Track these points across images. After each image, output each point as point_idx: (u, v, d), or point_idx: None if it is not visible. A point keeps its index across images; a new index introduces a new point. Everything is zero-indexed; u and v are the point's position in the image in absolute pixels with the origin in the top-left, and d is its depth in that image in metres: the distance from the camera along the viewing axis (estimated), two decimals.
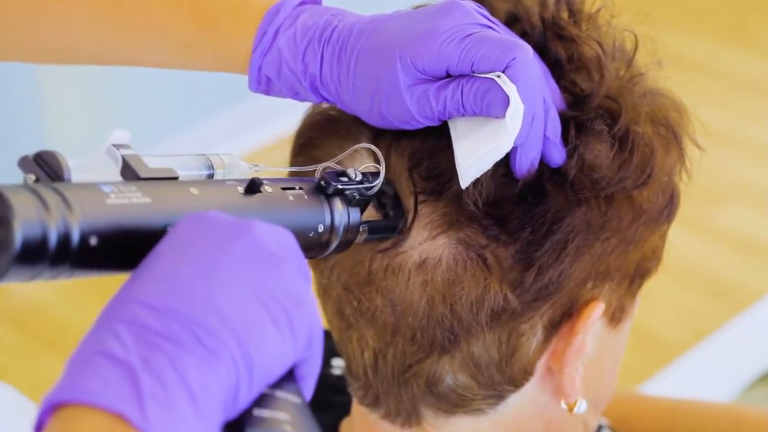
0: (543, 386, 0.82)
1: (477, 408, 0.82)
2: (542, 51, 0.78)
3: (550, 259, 0.76)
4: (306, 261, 0.65)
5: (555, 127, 0.75)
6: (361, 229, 0.75)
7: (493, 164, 0.74)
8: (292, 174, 0.79)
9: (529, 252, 0.76)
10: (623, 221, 0.78)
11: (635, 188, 0.78)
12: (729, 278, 2.50)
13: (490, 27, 0.75)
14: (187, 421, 0.56)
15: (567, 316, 0.80)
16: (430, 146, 0.77)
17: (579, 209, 0.76)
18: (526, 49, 0.73)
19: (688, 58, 3.18)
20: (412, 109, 0.74)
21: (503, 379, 0.80)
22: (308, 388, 0.63)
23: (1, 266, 0.59)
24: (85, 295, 2.53)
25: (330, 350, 0.86)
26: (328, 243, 0.73)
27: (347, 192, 0.73)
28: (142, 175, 0.66)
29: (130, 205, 0.63)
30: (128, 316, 0.58)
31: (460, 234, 0.76)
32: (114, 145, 0.66)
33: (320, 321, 0.63)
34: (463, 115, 0.74)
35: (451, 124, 0.76)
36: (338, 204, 0.73)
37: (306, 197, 0.72)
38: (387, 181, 0.77)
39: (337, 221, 0.73)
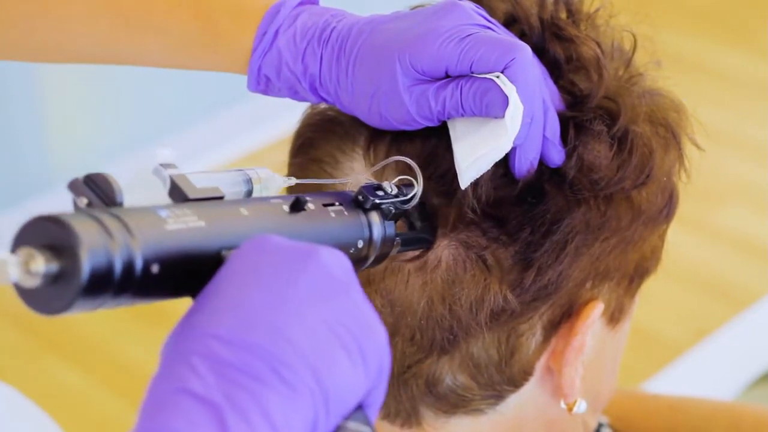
0: (542, 386, 0.82)
1: (477, 408, 0.82)
2: (541, 51, 0.78)
3: (549, 259, 0.76)
4: None
5: (554, 128, 0.75)
6: (395, 242, 0.74)
7: (492, 165, 0.74)
8: (317, 187, 0.78)
9: (529, 252, 0.76)
10: (622, 221, 0.78)
11: (634, 188, 0.78)
12: (729, 278, 2.50)
13: (488, 27, 0.75)
14: None
15: (566, 316, 0.80)
16: (430, 148, 0.77)
17: (578, 210, 0.76)
18: (526, 50, 0.73)
19: (688, 58, 3.17)
20: (411, 110, 0.74)
21: (503, 379, 0.80)
22: (373, 416, 0.62)
23: (65, 298, 0.58)
24: None
25: None
26: (366, 258, 0.73)
27: (383, 206, 0.73)
28: (191, 195, 0.65)
29: (187, 229, 0.62)
30: (204, 349, 0.57)
31: (460, 235, 0.76)
32: (161, 165, 0.65)
33: (388, 347, 0.62)
34: (462, 116, 0.74)
35: (450, 125, 0.76)
36: (375, 218, 0.73)
37: (345, 213, 0.72)
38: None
39: (375, 236, 0.73)
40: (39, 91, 2.60)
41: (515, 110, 0.72)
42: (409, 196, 0.75)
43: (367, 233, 0.72)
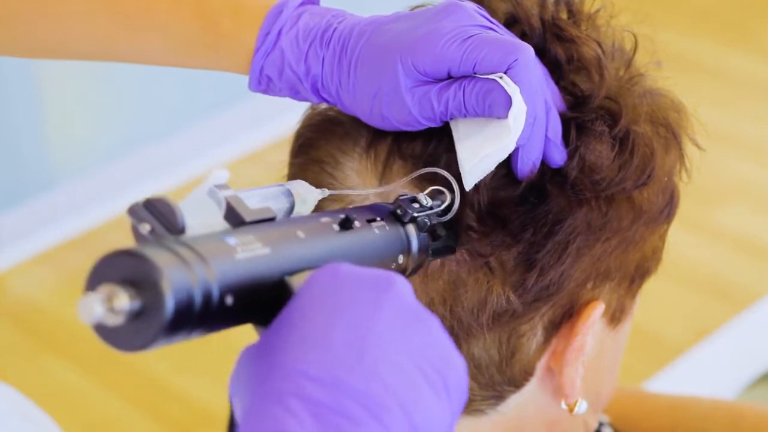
0: (543, 387, 0.82)
1: (477, 408, 0.82)
2: (542, 52, 0.78)
3: (551, 259, 0.76)
4: None
5: (556, 128, 0.75)
6: (428, 253, 0.74)
7: (496, 165, 0.74)
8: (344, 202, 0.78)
9: (531, 253, 0.76)
10: (623, 222, 0.78)
11: (635, 189, 0.78)
12: (729, 278, 2.50)
13: (490, 28, 0.75)
14: None
15: (567, 316, 0.80)
16: (431, 149, 0.77)
17: (580, 210, 0.76)
18: (528, 51, 0.73)
19: (688, 58, 3.18)
20: (413, 111, 0.74)
21: (503, 379, 0.80)
22: None
23: (147, 334, 0.57)
24: None
25: None
26: (404, 271, 0.73)
27: (419, 219, 0.73)
28: (247, 219, 0.64)
29: (255, 257, 0.61)
30: (296, 390, 0.57)
31: (462, 237, 0.76)
32: (216, 186, 0.65)
33: (467, 376, 0.62)
34: (465, 116, 0.74)
35: (452, 126, 0.76)
36: (412, 231, 0.73)
37: (387, 228, 0.72)
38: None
39: (413, 249, 0.73)
40: (39, 90, 2.60)
41: (518, 111, 0.72)
42: (442, 208, 0.75)
43: (406, 247, 0.72)
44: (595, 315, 0.79)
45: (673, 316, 2.40)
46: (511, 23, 0.80)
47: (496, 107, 0.72)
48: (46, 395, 2.14)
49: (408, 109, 0.74)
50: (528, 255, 0.76)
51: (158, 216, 0.62)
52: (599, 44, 0.79)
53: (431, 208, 0.74)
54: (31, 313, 2.49)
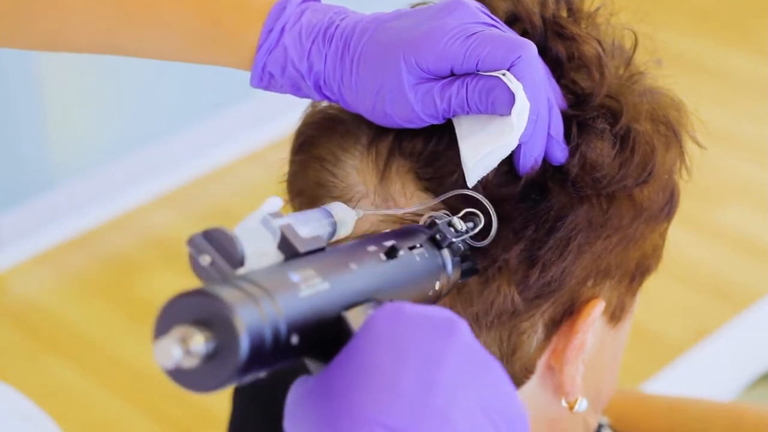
0: (544, 385, 0.82)
1: None
2: (543, 50, 0.78)
3: (553, 256, 0.76)
4: None
5: (558, 126, 0.75)
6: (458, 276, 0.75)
7: (498, 162, 0.74)
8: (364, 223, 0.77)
9: (534, 250, 0.76)
10: (624, 219, 0.78)
11: (636, 186, 0.78)
12: (729, 278, 2.50)
13: (493, 26, 0.75)
14: None
15: (567, 314, 0.80)
16: (432, 146, 0.77)
17: (581, 207, 0.76)
18: (531, 48, 0.73)
19: (688, 58, 3.18)
20: (416, 108, 0.74)
21: None
22: None
23: (221, 375, 0.56)
24: (85, 295, 2.53)
25: None
26: (439, 296, 0.73)
27: (454, 245, 0.73)
28: (301, 250, 0.64)
29: (316, 294, 0.61)
30: None
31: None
32: (270, 215, 0.65)
33: (528, 425, 0.62)
34: (468, 114, 0.74)
35: (455, 123, 0.76)
36: (447, 255, 0.73)
37: (426, 255, 0.71)
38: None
39: (449, 274, 0.73)
40: (39, 90, 2.60)
41: (522, 108, 0.72)
42: (475, 231, 0.74)
43: (443, 272, 0.72)
44: (595, 313, 0.79)
45: (674, 315, 2.40)
46: (512, 21, 0.80)
47: (499, 104, 0.72)
48: (46, 395, 2.14)
49: (411, 106, 0.74)
50: (530, 252, 0.76)
51: (218, 247, 0.61)
52: (600, 42, 0.79)
53: (466, 232, 0.74)
54: (31, 313, 2.49)
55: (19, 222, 2.60)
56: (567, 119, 0.76)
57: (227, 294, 0.57)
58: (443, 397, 0.59)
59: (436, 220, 0.74)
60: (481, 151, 0.74)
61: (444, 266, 0.72)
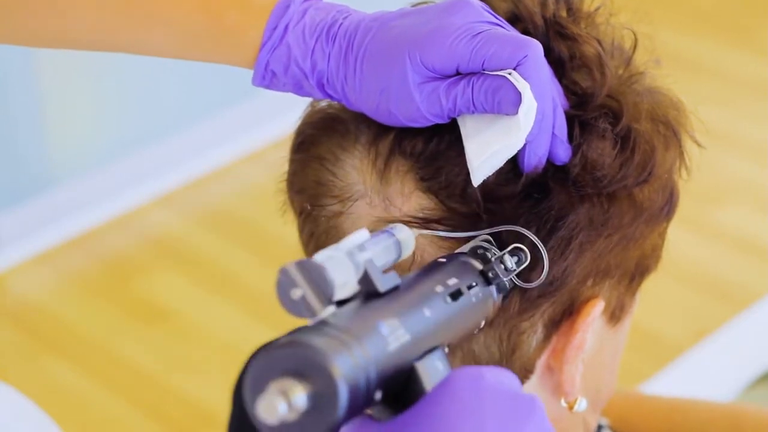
0: (543, 384, 0.82)
1: None
2: (545, 50, 0.78)
3: (554, 255, 0.76)
4: None
5: (562, 125, 0.76)
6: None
7: (504, 162, 0.74)
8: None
9: (536, 250, 0.76)
10: (624, 218, 0.78)
11: (636, 186, 0.78)
12: (729, 278, 2.50)
13: (498, 25, 0.75)
14: None
15: (567, 314, 0.80)
16: (434, 147, 0.77)
17: (582, 206, 0.77)
18: (537, 47, 0.73)
19: (688, 58, 3.17)
20: (421, 107, 0.74)
21: None
22: None
23: (319, 426, 0.56)
24: (85, 295, 2.53)
25: None
26: (480, 329, 0.73)
27: (503, 282, 0.73)
28: (381, 289, 0.64)
29: (400, 347, 0.62)
30: None
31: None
32: (356, 247, 0.65)
33: None
34: (473, 113, 0.74)
35: (460, 122, 0.76)
36: (494, 291, 0.73)
37: (480, 294, 0.71)
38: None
39: (493, 308, 0.73)
40: (39, 90, 2.60)
41: (529, 107, 0.72)
42: (521, 268, 0.74)
43: (491, 309, 0.73)
44: (594, 312, 0.79)
45: (673, 315, 2.40)
46: (513, 22, 0.80)
47: (506, 104, 0.72)
48: (46, 395, 2.14)
49: (416, 105, 0.74)
50: (532, 252, 0.76)
51: (309, 280, 0.61)
52: (600, 42, 0.79)
53: (514, 269, 0.74)
54: (31, 313, 2.49)
55: (19, 222, 2.60)
56: (569, 119, 0.76)
57: (323, 343, 0.56)
58: None
59: (487, 253, 0.73)
60: (486, 150, 0.74)
61: (493, 304, 0.73)
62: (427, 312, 0.66)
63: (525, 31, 0.79)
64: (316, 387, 0.56)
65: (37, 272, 2.58)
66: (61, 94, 2.64)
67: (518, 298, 0.77)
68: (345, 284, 0.63)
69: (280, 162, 0.84)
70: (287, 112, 0.87)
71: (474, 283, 0.71)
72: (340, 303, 0.63)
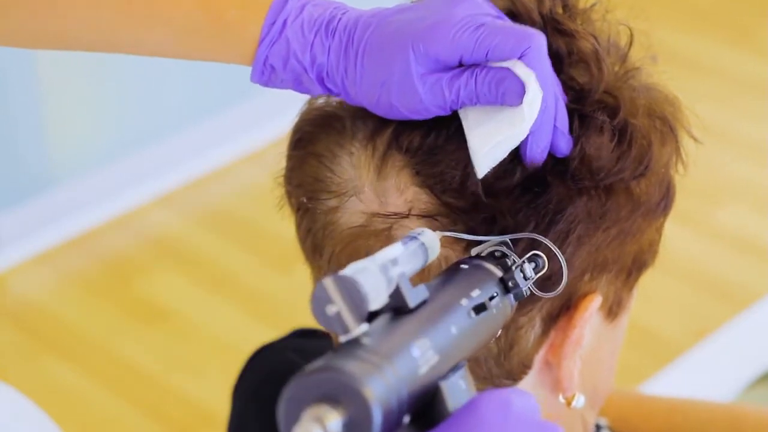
0: (541, 380, 0.82)
1: None
2: None
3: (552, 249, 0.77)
4: None
5: (563, 117, 0.76)
6: None
7: (508, 153, 0.74)
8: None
9: (535, 244, 0.76)
10: (622, 212, 0.79)
11: (633, 179, 0.79)
12: (729, 278, 2.50)
13: (499, 17, 0.75)
14: None
15: (565, 309, 0.80)
16: (431, 142, 0.77)
17: (580, 199, 0.77)
18: (541, 38, 0.73)
19: (685, 56, 3.17)
20: (424, 99, 0.74)
21: (501, 372, 0.80)
22: None
23: None
24: (85, 295, 2.53)
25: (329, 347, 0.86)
26: (497, 340, 0.74)
27: (521, 290, 0.73)
28: (411, 305, 0.65)
29: (429, 370, 0.62)
30: None
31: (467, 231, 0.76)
32: (389, 261, 0.65)
33: None
34: (476, 105, 0.74)
35: (462, 114, 0.76)
36: (512, 300, 0.73)
37: (500, 305, 0.72)
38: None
39: (509, 319, 0.74)
40: (39, 90, 2.60)
41: (533, 97, 0.72)
42: (538, 276, 0.74)
43: (507, 318, 0.73)
44: (592, 307, 0.80)
45: (673, 315, 2.40)
46: (510, 18, 0.80)
47: (510, 95, 0.72)
48: (46, 395, 2.14)
49: (419, 96, 0.74)
50: (532, 246, 0.76)
51: (345, 295, 0.62)
52: (596, 38, 0.80)
53: (532, 277, 0.74)
54: (31, 313, 2.49)
55: (19, 222, 2.61)
56: (568, 113, 0.77)
57: (357, 368, 0.57)
58: None
59: (506, 260, 0.74)
60: (490, 141, 0.74)
61: (510, 311, 0.73)
62: (453, 329, 0.66)
63: None
64: (351, 413, 0.56)
65: (37, 272, 2.58)
66: (61, 94, 2.64)
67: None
68: (377, 297, 0.63)
69: (279, 161, 0.85)
70: (287, 112, 0.87)
71: (495, 293, 0.71)
72: (371, 315, 0.63)
